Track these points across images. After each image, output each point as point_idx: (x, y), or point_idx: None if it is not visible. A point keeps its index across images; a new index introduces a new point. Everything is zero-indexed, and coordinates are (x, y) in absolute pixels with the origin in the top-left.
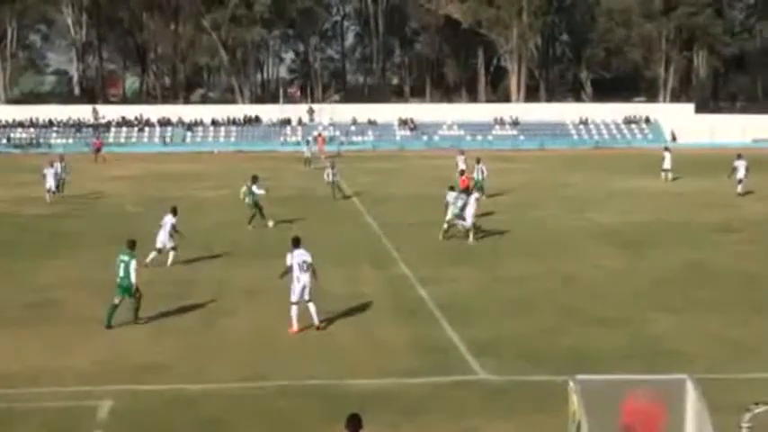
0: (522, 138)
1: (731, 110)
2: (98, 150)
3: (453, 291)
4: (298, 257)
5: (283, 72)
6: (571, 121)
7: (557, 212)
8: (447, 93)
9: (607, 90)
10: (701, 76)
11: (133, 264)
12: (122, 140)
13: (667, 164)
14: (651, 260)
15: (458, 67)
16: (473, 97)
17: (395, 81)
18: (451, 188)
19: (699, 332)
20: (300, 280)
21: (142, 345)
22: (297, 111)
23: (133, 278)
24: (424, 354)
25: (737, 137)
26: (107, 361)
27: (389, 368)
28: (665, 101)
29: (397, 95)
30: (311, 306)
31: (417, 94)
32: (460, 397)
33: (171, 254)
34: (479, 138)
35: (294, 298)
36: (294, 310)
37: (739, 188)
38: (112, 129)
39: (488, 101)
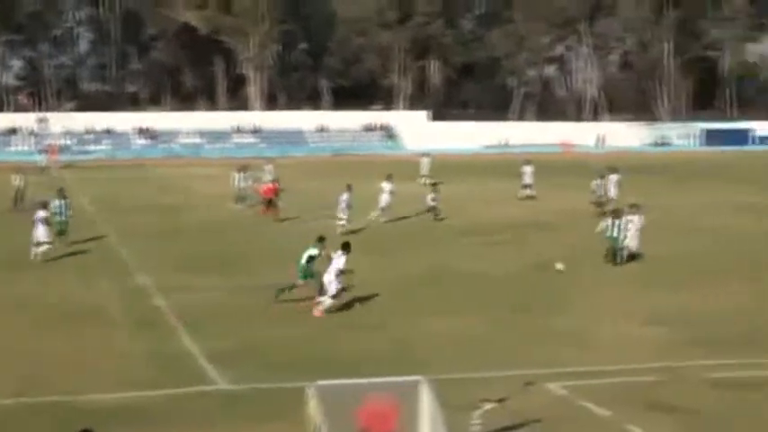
0: (262, 145)
1: (463, 117)
2: None
3: (193, 300)
4: None
5: (11, 79)
6: (310, 128)
7: (300, 219)
8: (185, 100)
9: (345, 98)
10: (435, 84)
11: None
12: None
13: (425, 170)
14: (395, 264)
15: (196, 74)
16: (212, 105)
17: (132, 89)
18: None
19: (435, 333)
20: None
21: None
22: (27, 119)
23: None
24: (162, 365)
25: (470, 143)
26: None
27: (126, 381)
28: (401, 109)
29: (134, 103)
30: None
31: (155, 101)
32: (200, 407)
33: None
34: (219, 145)
35: None
36: None
37: (526, 192)
38: None
39: (228, 108)
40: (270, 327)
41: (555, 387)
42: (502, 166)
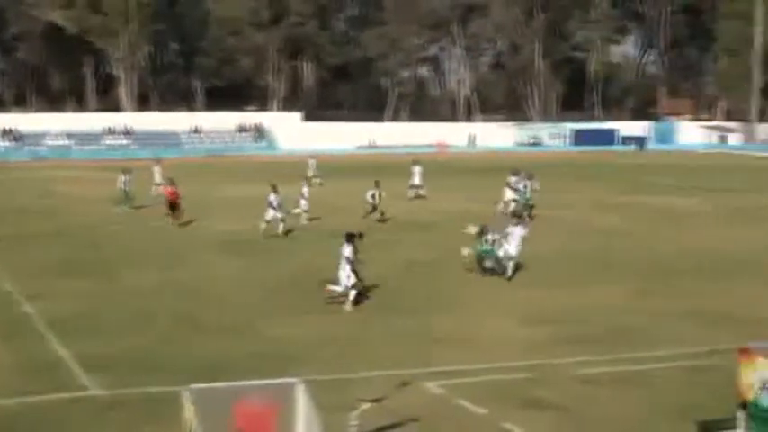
0: (134, 147)
1: (338, 118)
2: None
3: (64, 305)
4: None
5: None
6: (184, 129)
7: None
8: (52, 101)
9: (220, 99)
10: (308, 85)
11: None
12: None
13: (312, 171)
14: (267, 266)
15: (64, 74)
16: (81, 106)
17: None
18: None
19: (311, 334)
20: None
21: None
22: None
23: None
24: (32, 372)
25: (344, 144)
26: None
27: None
28: (275, 109)
29: None
30: None
31: (20, 102)
32: (73, 414)
33: None
34: (89, 148)
35: None
36: None
37: (415, 192)
38: None
39: (98, 109)
40: (142, 331)
41: (432, 386)
42: (376, 166)
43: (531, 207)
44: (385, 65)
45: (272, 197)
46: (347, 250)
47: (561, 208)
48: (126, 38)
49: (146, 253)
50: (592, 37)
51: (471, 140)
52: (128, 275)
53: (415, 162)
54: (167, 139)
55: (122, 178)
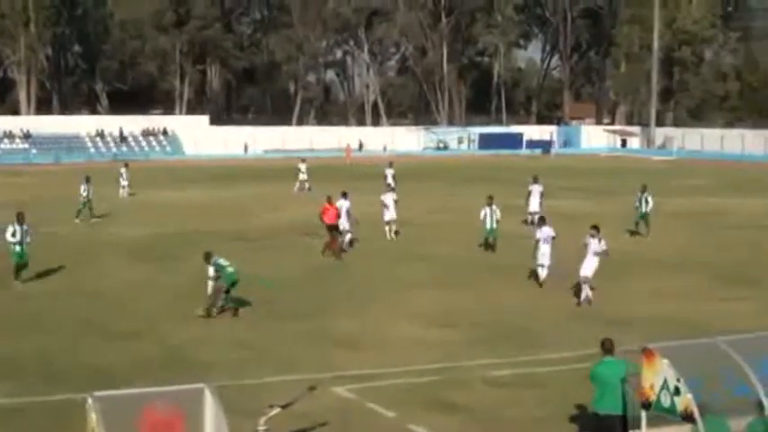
0: (34, 151)
1: (243, 121)
2: None
3: None
4: None
5: None
6: (87, 133)
7: (80, 227)
8: None
9: (124, 102)
10: (215, 88)
11: None
12: None
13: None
14: (172, 271)
15: None
16: None
17: None
18: None
19: (218, 339)
20: None
21: None
22: None
23: None
24: None
25: (250, 148)
26: None
27: None
28: (181, 113)
29: None
30: None
31: None
32: None
33: None
34: None
35: None
36: None
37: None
38: None
39: None
40: (43, 336)
41: (341, 390)
42: (282, 170)
43: (637, 224)
44: (291, 68)
45: None
46: (345, 205)
47: (468, 209)
48: (25, 40)
49: (48, 257)
50: (497, 42)
51: (361, 145)
52: (30, 280)
53: (391, 164)
54: (70, 143)
55: (84, 187)
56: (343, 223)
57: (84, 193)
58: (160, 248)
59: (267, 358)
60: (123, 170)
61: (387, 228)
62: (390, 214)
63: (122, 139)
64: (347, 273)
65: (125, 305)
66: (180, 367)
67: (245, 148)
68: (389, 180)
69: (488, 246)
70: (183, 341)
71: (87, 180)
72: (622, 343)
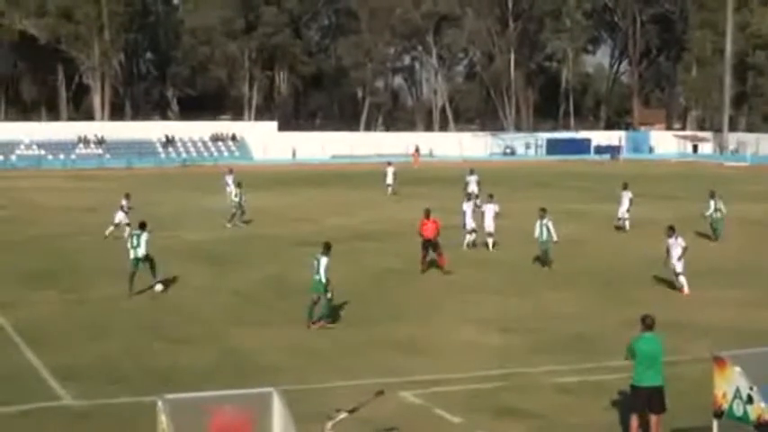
0: (108, 156)
1: (311, 127)
2: None
3: (34, 315)
4: None
5: None
6: (158, 138)
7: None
8: (25, 111)
9: (193, 108)
10: (283, 94)
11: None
12: None
13: (390, 179)
14: (235, 275)
15: (36, 84)
16: (54, 115)
17: None
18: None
19: (282, 344)
20: None
21: None
22: None
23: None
24: (5, 382)
25: (317, 153)
26: None
27: None
28: (250, 119)
29: None
30: None
31: None
32: (46, 424)
33: None
34: (62, 157)
35: None
36: None
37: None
38: None
39: (71, 119)
40: (114, 340)
41: (407, 395)
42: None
43: (715, 230)
44: (359, 74)
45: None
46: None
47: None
48: (99, 47)
49: (112, 262)
50: (565, 47)
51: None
52: (94, 285)
53: (471, 171)
54: (141, 149)
55: (236, 191)
56: (470, 223)
57: (237, 199)
58: (221, 252)
59: (332, 363)
60: (229, 178)
61: (489, 240)
62: (489, 226)
63: (169, 141)
64: (407, 278)
65: (188, 309)
66: (246, 371)
67: (312, 153)
68: (473, 187)
69: (543, 262)
70: (248, 346)
71: (239, 185)
72: (685, 351)
